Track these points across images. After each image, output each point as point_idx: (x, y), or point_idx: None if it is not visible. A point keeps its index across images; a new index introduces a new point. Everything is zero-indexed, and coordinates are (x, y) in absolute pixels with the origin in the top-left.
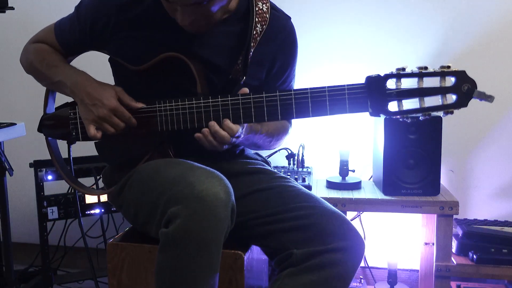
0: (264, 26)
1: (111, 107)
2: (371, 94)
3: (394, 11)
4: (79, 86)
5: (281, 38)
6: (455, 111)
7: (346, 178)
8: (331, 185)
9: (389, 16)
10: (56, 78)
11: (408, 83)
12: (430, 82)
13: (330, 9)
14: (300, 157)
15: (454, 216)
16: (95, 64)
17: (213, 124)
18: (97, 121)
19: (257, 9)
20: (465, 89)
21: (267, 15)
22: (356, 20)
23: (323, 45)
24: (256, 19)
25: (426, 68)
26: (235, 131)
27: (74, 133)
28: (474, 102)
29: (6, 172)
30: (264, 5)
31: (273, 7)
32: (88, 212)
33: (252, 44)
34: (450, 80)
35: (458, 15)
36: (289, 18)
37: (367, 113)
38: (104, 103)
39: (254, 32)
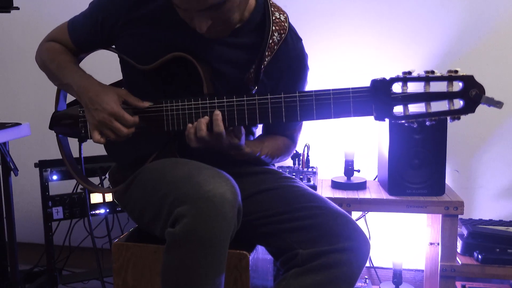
0: (283, 35)
1: (110, 112)
2: (376, 97)
3: (401, 12)
4: (83, 91)
5: (289, 58)
6: (462, 116)
7: (351, 178)
8: (336, 185)
9: (395, 17)
10: (65, 80)
11: (414, 87)
12: (437, 87)
13: (336, 10)
14: (305, 157)
15: (459, 216)
16: (105, 62)
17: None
18: (99, 126)
19: (274, 18)
20: (472, 94)
21: (285, 24)
22: (362, 21)
23: (329, 46)
24: (274, 28)
25: (433, 72)
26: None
27: (83, 131)
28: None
29: (11, 172)
30: (281, 15)
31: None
32: (93, 212)
33: (267, 53)
34: (458, 85)
35: (466, 16)
36: (300, 39)
37: (371, 117)
38: (104, 108)
39: (271, 41)
